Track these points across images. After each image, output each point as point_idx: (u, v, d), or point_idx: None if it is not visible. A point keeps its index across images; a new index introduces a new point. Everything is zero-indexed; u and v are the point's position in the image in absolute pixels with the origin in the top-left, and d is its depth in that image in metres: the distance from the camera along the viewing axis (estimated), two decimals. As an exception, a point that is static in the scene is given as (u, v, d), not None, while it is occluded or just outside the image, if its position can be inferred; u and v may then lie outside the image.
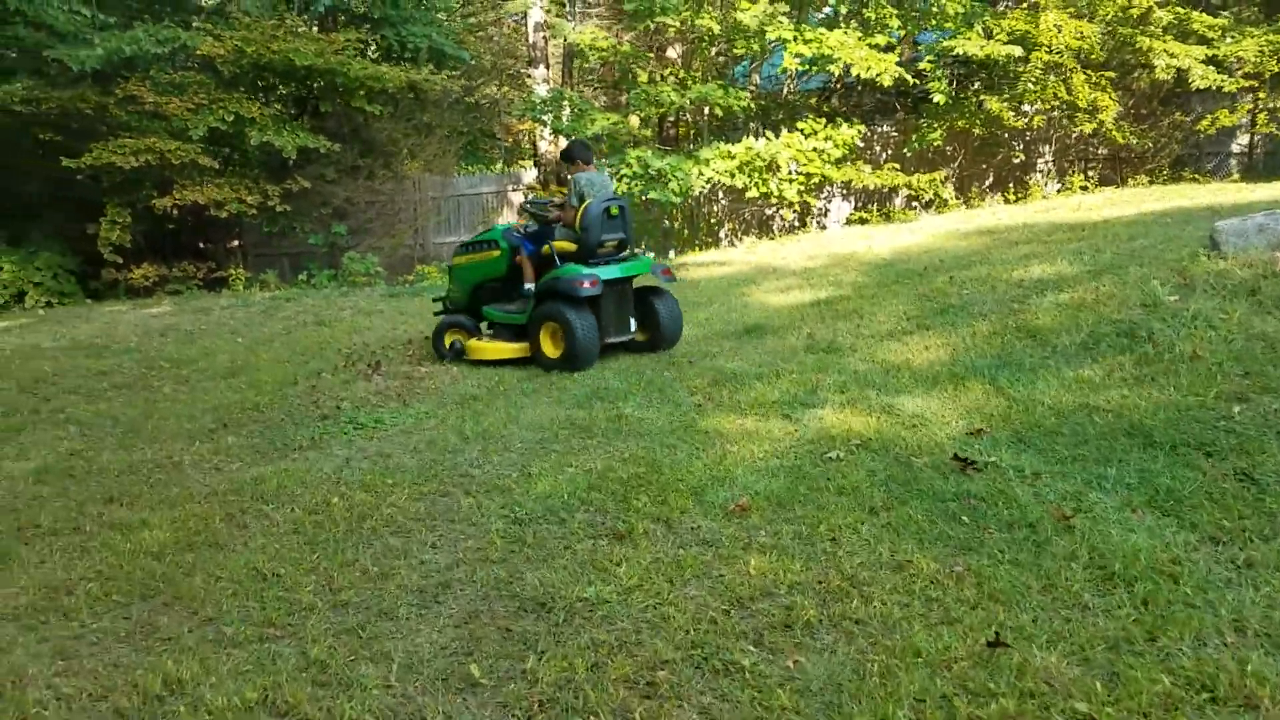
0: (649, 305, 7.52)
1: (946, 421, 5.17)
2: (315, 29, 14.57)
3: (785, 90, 17.22)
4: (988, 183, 17.06)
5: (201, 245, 15.68)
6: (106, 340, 8.74)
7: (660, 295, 7.58)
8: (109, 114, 13.37)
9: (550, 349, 7.21)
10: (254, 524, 4.47)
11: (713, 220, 16.59)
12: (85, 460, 5.42)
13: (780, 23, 14.36)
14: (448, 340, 7.72)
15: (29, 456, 5.52)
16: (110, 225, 13.11)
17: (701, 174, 14.29)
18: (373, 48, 15.81)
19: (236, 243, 15.80)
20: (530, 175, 17.56)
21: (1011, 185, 16.75)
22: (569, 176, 7.57)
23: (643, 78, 15.80)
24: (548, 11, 19.00)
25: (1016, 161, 16.80)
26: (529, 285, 7.42)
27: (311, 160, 14.50)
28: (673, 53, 17.00)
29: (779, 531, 3.90)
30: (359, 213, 15.66)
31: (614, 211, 7.22)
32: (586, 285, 6.94)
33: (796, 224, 16.05)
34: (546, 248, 7.38)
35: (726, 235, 16.30)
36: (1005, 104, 14.87)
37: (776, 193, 14.73)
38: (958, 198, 16.39)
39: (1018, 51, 14.12)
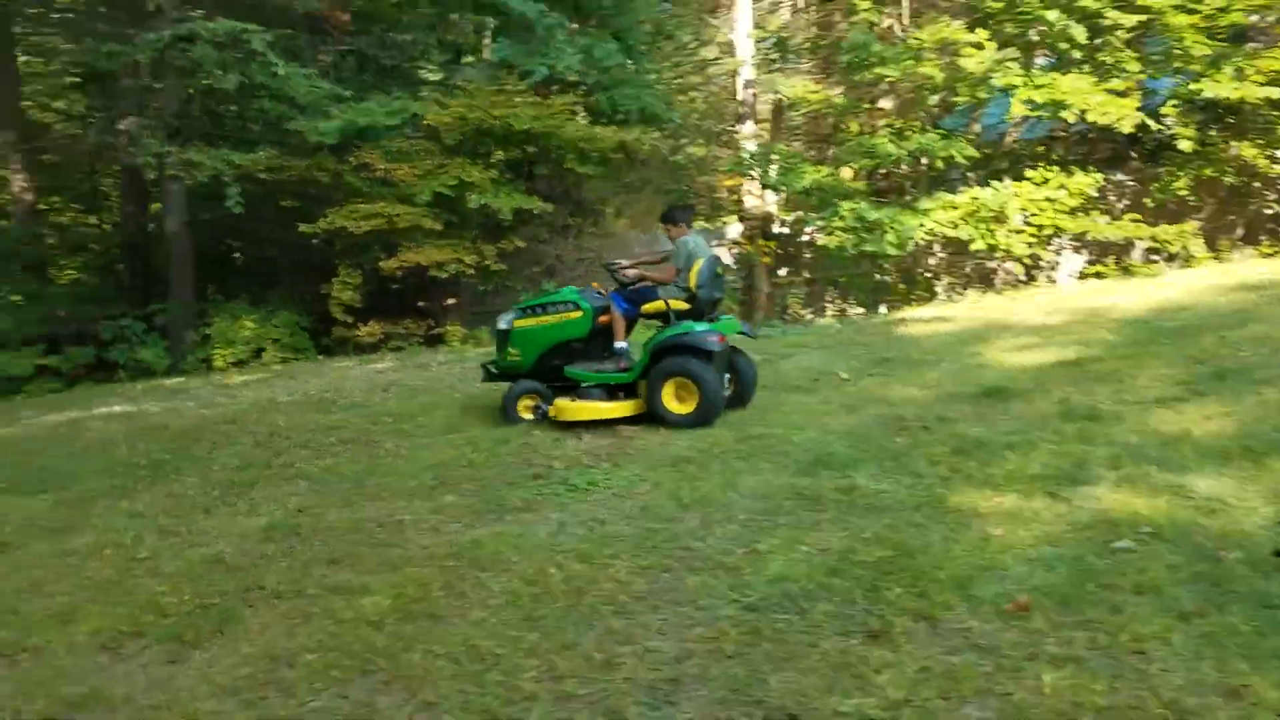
0: (733, 363, 7.53)
1: (1251, 507, 4.34)
2: (532, 95, 15.02)
3: (1007, 138, 16.22)
4: (1238, 235, 15.30)
5: (421, 304, 16.36)
6: (334, 395, 9.07)
7: (741, 353, 7.63)
8: (343, 181, 14.23)
9: (676, 405, 7.11)
10: (472, 593, 4.25)
11: (928, 274, 15.73)
12: (312, 517, 5.44)
13: (1008, 68, 13.52)
14: (524, 406, 7.44)
15: (259, 512, 5.61)
16: (342, 286, 13.86)
17: (922, 225, 13.55)
18: (584, 110, 16.15)
19: (453, 301, 16.40)
20: (735, 230, 17.35)
21: (1265, 238, 14.94)
22: (673, 238, 7.60)
23: (854, 129, 15.30)
24: (758, 68, 18.88)
25: (1270, 212, 14.99)
26: (621, 344, 7.42)
27: (526, 221, 14.88)
28: (885, 103, 16.42)
29: (1071, 639, 3.26)
30: (567, 270, 15.92)
31: (720, 271, 7.49)
32: (715, 340, 7.05)
33: (1024, 278, 14.94)
34: (660, 304, 7.31)
35: (944, 290, 15.37)
36: (1260, 150, 13.31)
37: (1004, 245, 13.75)
38: (1206, 251, 14.76)
39: (1276, 93, 12.62)
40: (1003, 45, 13.81)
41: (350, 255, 14.13)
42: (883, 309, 15.69)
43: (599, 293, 7.64)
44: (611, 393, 7.32)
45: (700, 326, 7.19)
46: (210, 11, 13.39)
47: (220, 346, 13.73)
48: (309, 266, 15.63)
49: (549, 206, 14.75)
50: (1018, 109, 13.84)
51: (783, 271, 17.44)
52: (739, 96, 19.13)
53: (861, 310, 16.16)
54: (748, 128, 19.17)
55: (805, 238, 16.87)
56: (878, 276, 16.00)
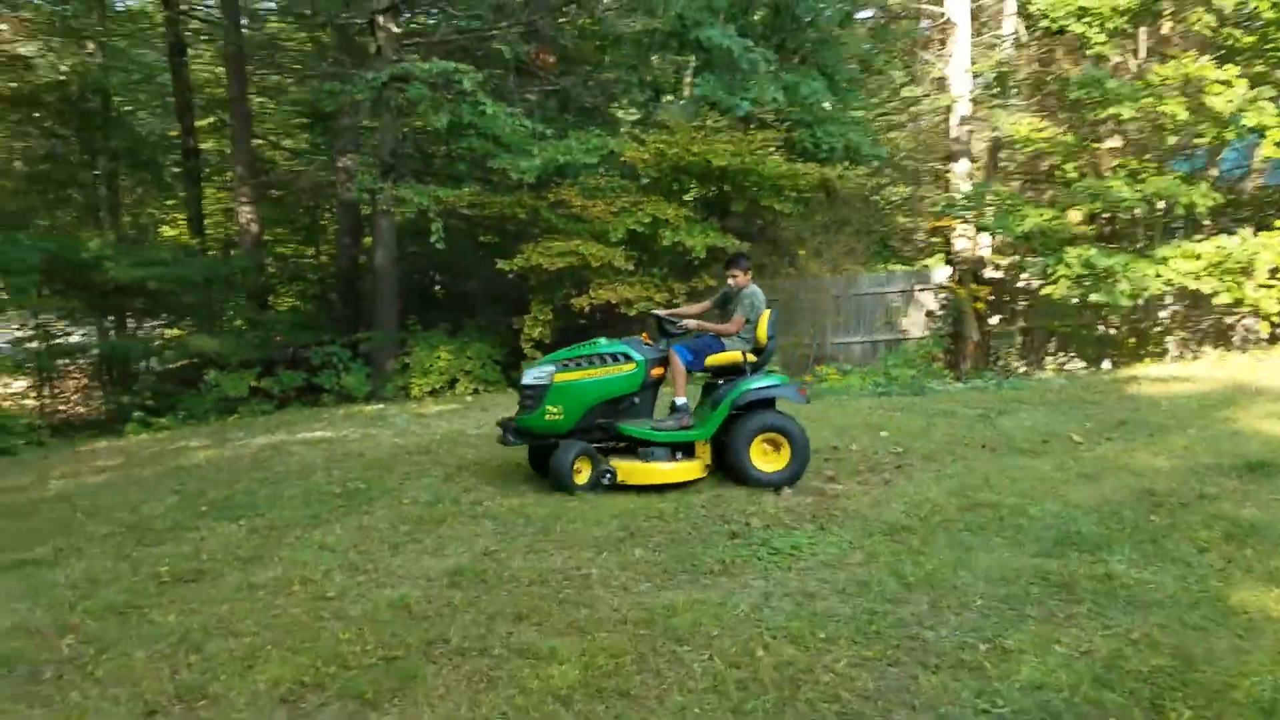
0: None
1: None
2: (732, 132, 14.70)
3: (1248, 182, 14.53)
4: None
5: (609, 340, 16.24)
6: (523, 431, 8.89)
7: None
8: (540, 217, 14.35)
9: (765, 463, 6.61)
10: (668, 671, 3.79)
11: (1158, 328, 14.20)
12: (498, 563, 5.14)
13: (1261, 108, 12.07)
14: (579, 469, 6.59)
15: (446, 553, 5.37)
16: (534, 322, 13.91)
17: (1159, 275, 12.21)
18: (782, 146, 15.69)
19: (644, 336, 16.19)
20: (941, 274, 16.34)
21: None
22: (738, 287, 7.09)
23: (1069, 169, 14.09)
24: (975, 104, 17.86)
25: None
26: (683, 399, 6.81)
27: (718, 259, 14.53)
28: (1112, 142, 15.06)
29: None
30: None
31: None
32: (805, 394, 7.08)
33: (1265, 336, 13.21)
34: (736, 355, 6.90)
35: (1176, 346, 13.83)
36: None
37: (1251, 299, 12.21)
38: None
39: None
40: (1254, 84, 12.36)
41: (543, 291, 14.19)
42: (1107, 364, 14.28)
43: (648, 344, 7.07)
44: (671, 453, 6.75)
45: (783, 379, 6.95)
46: (425, 53, 13.88)
47: (417, 376, 14.03)
48: (503, 300, 15.84)
49: (744, 245, 14.33)
50: (1270, 151, 12.33)
51: (994, 319, 16.25)
52: (952, 134, 18.15)
53: (1084, 365, 14.78)
54: (961, 166, 18.14)
55: (1021, 284, 15.66)
56: (1101, 328, 14.61)
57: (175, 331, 16.97)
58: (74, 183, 17.99)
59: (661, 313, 7.19)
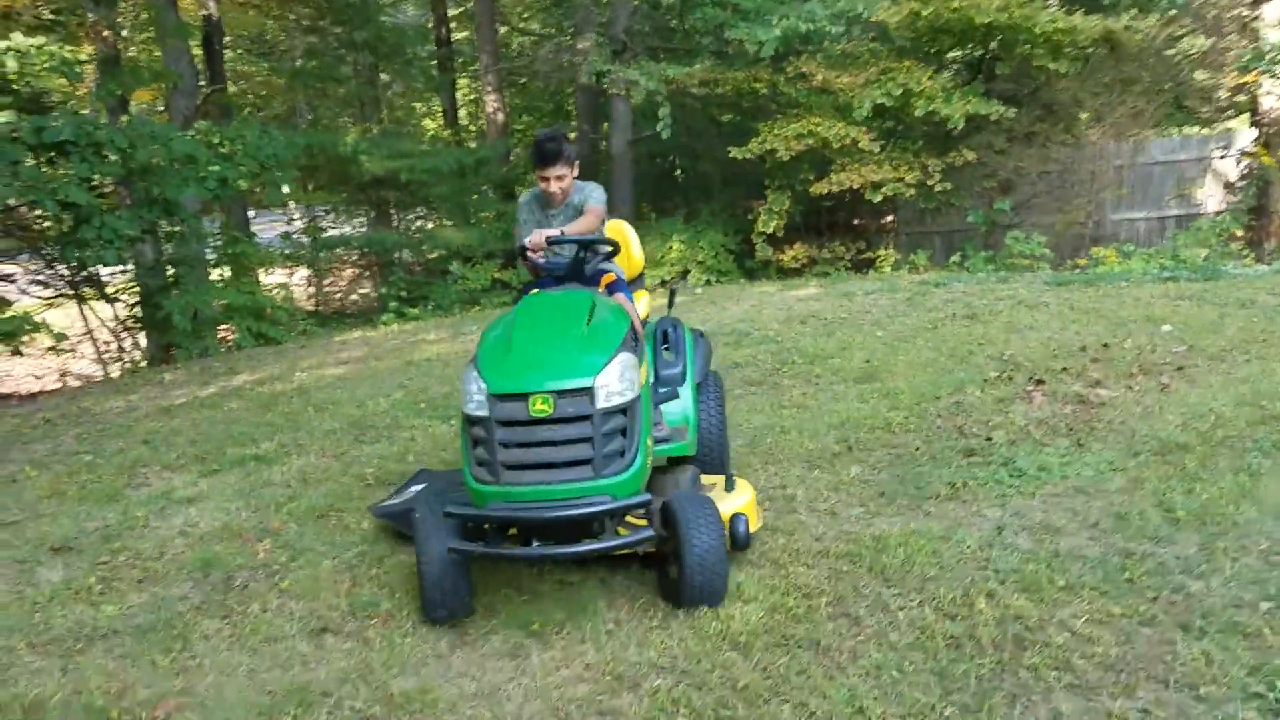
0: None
1: None
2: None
3: None
4: None
5: (855, 222, 15.20)
6: (749, 326, 8.39)
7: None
8: (779, 92, 13.43)
9: None
10: (868, 619, 3.29)
11: None
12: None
13: None
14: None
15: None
16: (768, 215, 13.18)
17: None
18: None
19: (890, 218, 15.02)
20: (1246, 138, 13.83)
21: None
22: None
23: None
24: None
25: None
26: None
27: (979, 129, 13.02)
28: None
29: None
30: (1026, 186, 13.74)
31: None
32: None
33: None
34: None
35: None
36: None
37: None
38: None
39: None
40: None
41: (780, 174, 13.36)
42: None
43: None
44: None
45: None
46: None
47: (649, 268, 13.81)
48: (741, 182, 15.14)
49: (1010, 111, 12.72)
50: None
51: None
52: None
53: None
54: (1272, 11, 15.09)
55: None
56: None
57: (432, 225, 17.71)
58: (334, 78, 18.92)
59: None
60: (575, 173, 4.29)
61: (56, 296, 11.05)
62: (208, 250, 12.41)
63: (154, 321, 11.12)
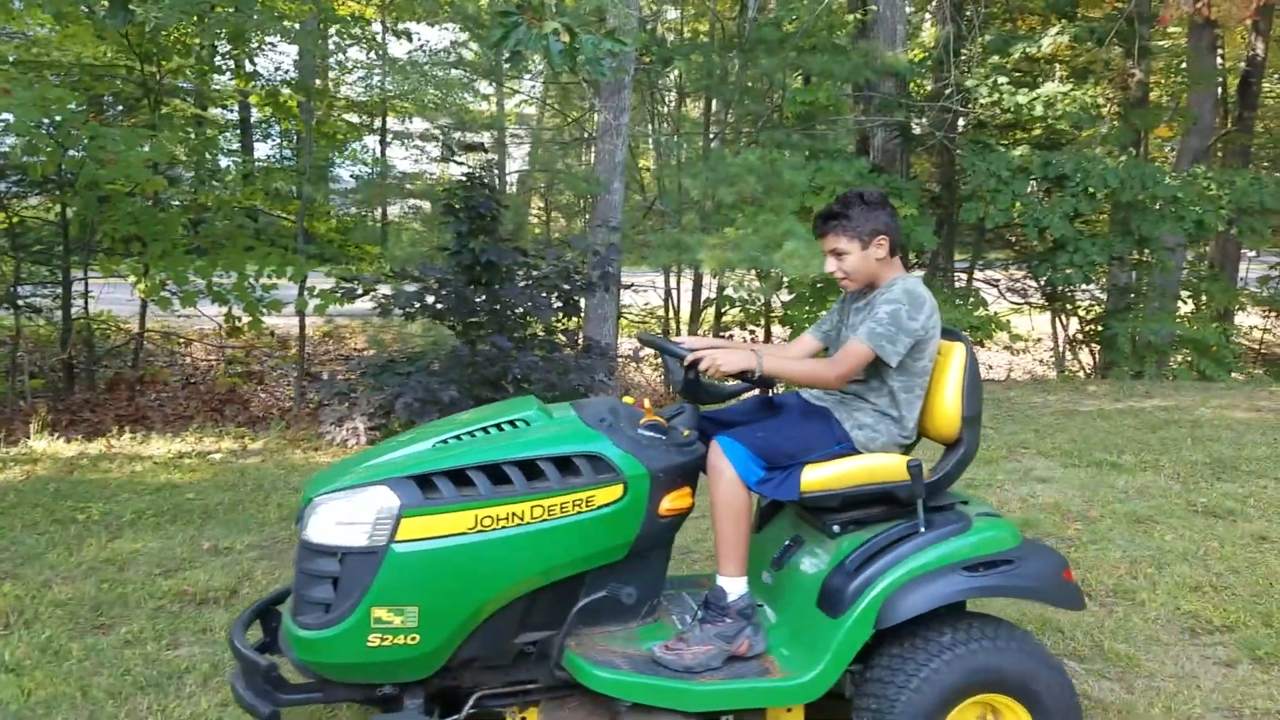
0: None
1: None
2: None
3: None
4: None
5: None
6: None
7: None
8: None
9: None
10: None
11: None
12: None
13: None
14: None
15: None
16: None
17: None
18: None
19: None
20: None
21: None
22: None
23: None
24: None
25: None
26: (734, 581, 3.28)
27: None
28: None
29: None
30: None
31: None
32: (1070, 577, 2.82)
33: None
34: (886, 461, 3.21)
35: None
36: None
37: None
38: None
39: None
40: None
41: None
42: None
43: (654, 422, 2.82)
44: None
45: (1005, 530, 2.81)
46: None
47: None
48: None
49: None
50: None
51: None
52: None
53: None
54: None
55: None
56: None
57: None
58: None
59: (681, 339, 3.02)
60: (882, 253, 2.93)
61: (1024, 304, 13.06)
62: (1178, 283, 12.94)
63: (1103, 339, 12.29)
